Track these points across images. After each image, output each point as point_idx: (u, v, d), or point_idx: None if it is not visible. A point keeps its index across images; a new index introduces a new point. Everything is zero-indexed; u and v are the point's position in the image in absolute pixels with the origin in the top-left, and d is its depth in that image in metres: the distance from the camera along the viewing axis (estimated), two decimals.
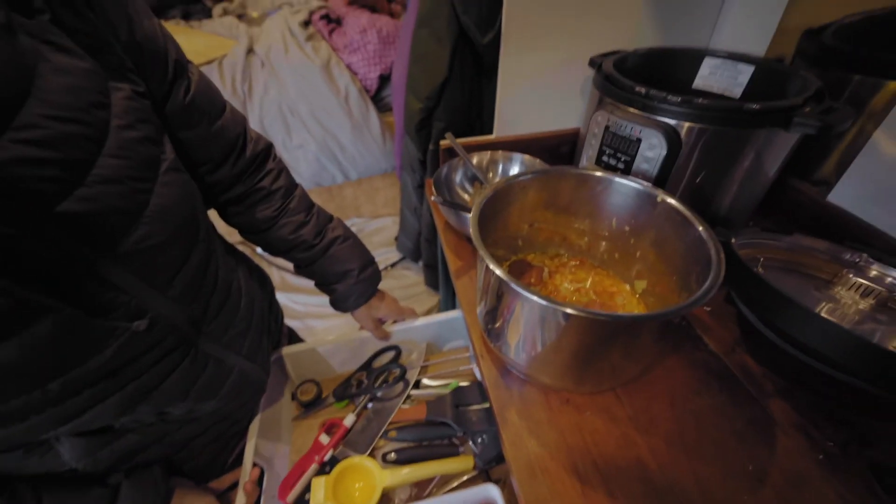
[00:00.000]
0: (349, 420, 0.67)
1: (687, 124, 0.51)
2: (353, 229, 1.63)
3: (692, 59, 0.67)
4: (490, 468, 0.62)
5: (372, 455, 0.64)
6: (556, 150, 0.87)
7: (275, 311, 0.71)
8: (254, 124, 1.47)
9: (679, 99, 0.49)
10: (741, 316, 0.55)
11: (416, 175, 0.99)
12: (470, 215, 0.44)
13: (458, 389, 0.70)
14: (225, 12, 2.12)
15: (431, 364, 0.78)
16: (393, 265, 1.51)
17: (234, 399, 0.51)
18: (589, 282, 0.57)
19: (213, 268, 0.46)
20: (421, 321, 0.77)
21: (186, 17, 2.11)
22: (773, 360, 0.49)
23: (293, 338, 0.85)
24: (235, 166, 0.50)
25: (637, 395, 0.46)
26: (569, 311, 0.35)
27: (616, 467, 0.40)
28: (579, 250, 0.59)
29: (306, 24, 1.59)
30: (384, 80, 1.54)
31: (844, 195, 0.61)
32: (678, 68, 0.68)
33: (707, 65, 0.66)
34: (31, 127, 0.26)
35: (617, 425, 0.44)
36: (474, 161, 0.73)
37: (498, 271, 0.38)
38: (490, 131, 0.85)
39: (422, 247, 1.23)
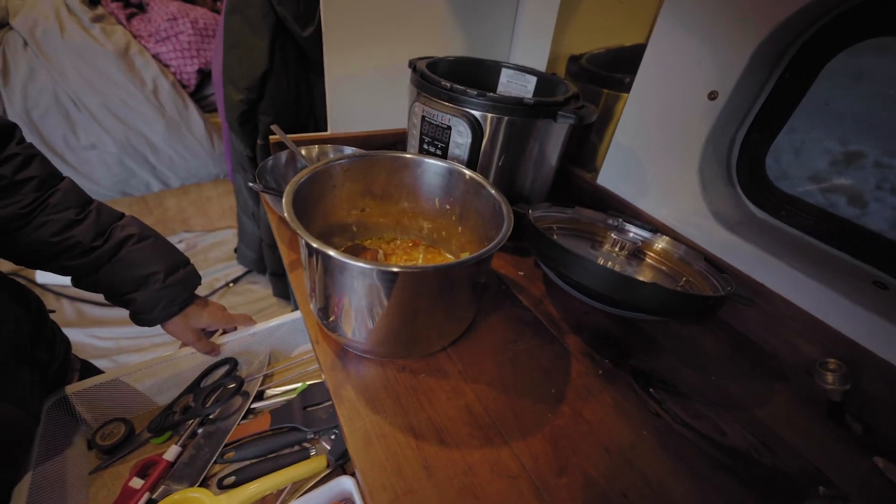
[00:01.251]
0: (172, 453, 0.57)
1: (487, 114, 0.59)
2: (182, 246, 1.40)
3: (494, 69, 0.79)
4: (345, 462, 0.60)
5: (205, 485, 0.55)
6: (392, 147, 0.91)
7: (46, 338, 0.55)
8: (15, 116, 1.14)
9: (476, 92, 0.57)
10: (545, 275, 0.66)
11: (247, 174, 0.91)
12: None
13: (305, 390, 0.66)
14: None
15: (277, 370, 0.72)
16: (235, 281, 1.35)
17: None
18: (421, 259, 0.60)
19: None
20: (261, 327, 0.71)
21: None
22: (566, 306, 0.61)
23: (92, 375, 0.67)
24: None
25: (465, 352, 0.51)
26: (394, 269, 0.37)
27: (447, 417, 0.44)
28: (412, 231, 0.63)
29: (94, 3, 1.31)
30: (206, 76, 1.37)
31: (606, 178, 0.80)
32: (484, 76, 0.79)
33: (504, 74, 0.79)
34: None
35: (448, 381, 0.47)
36: (304, 153, 0.71)
37: (314, 243, 0.38)
38: (325, 130, 0.85)
39: (265, 254, 1.12)
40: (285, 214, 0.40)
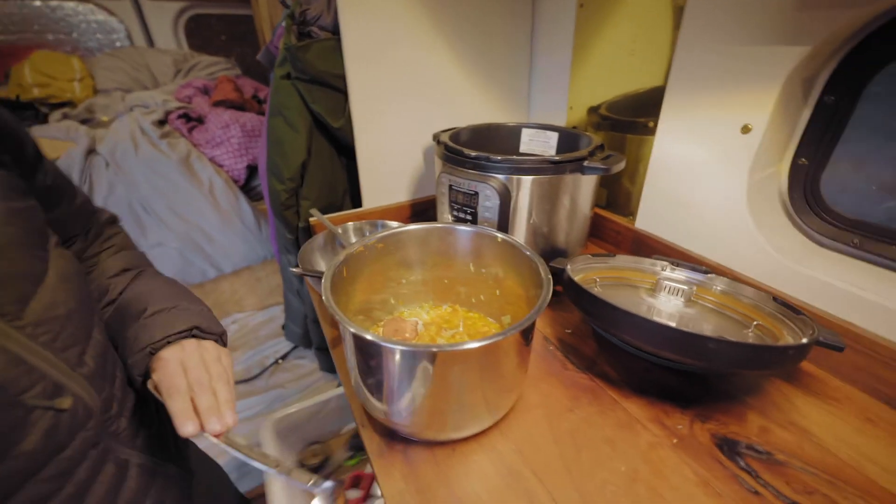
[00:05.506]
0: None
1: (512, 177, 0.60)
2: (235, 327, 1.47)
3: (515, 131, 0.82)
4: None
5: None
6: (423, 214, 0.94)
7: None
8: None
9: (499, 158, 0.58)
10: (595, 332, 0.62)
11: (291, 256, 0.96)
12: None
13: None
14: (65, 117, 1.94)
15: None
16: (284, 357, 1.37)
17: None
18: (461, 326, 0.59)
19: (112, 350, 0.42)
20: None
21: None
22: (624, 364, 0.56)
23: None
24: (87, 237, 0.48)
25: (518, 426, 0.47)
26: (433, 349, 0.36)
27: None
28: (449, 298, 0.62)
29: (161, 122, 1.54)
30: (253, 170, 1.53)
31: (644, 222, 0.77)
32: (505, 139, 0.82)
33: (525, 134, 0.82)
34: None
35: (504, 462, 0.43)
36: (342, 230, 0.75)
37: (352, 328, 0.37)
38: (359, 205, 0.89)
39: (310, 330, 1.15)
40: (323, 298, 0.41)
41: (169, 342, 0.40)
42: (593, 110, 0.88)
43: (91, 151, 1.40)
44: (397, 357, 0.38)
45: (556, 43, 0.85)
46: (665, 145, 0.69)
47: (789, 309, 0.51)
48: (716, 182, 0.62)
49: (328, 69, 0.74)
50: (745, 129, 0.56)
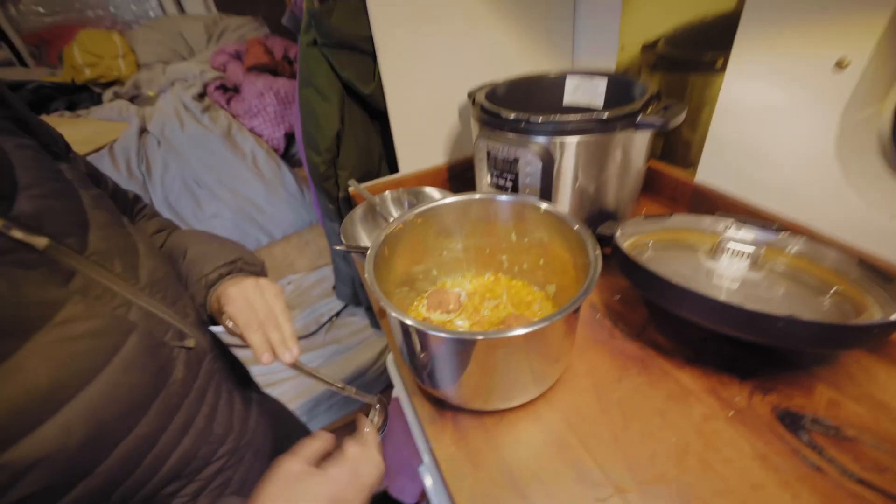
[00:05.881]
0: None
1: (555, 139, 0.55)
2: (290, 287, 1.55)
3: (557, 81, 0.75)
4: None
5: None
6: (462, 176, 0.91)
7: None
8: (159, 203, 1.40)
9: (539, 119, 0.54)
10: (647, 297, 0.59)
11: (335, 224, 0.99)
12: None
13: None
14: (116, 96, 2.03)
15: None
16: (338, 314, 1.46)
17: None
18: (505, 296, 0.58)
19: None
20: None
21: (72, 107, 1.99)
22: (677, 332, 0.53)
23: None
24: (124, 213, 0.51)
25: (565, 396, 0.48)
26: (478, 337, 0.36)
27: (555, 474, 0.41)
28: (492, 266, 0.61)
29: (201, 96, 1.57)
30: (291, 137, 1.54)
31: (707, 174, 0.70)
32: (547, 91, 0.75)
33: (570, 83, 0.74)
34: (31, 186, 0.31)
35: (551, 432, 0.44)
36: (381, 200, 0.75)
37: (394, 313, 0.38)
38: (395, 170, 0.88)
39: (359, 291, 1.20)
40: (367, 283, 0.41)
41: (221, 274, 0.45)
42: (648, 48, 0.78)
43: (143, 131, 1.47)
44: (440, 343, 0.39)
45: None
46: (736, 87, 0.60)
47: (878, 275, 0.45)
48: (798, 126, 0.54)
49: (354, 32, 0.70)
50: (842, 64, 0.47)
